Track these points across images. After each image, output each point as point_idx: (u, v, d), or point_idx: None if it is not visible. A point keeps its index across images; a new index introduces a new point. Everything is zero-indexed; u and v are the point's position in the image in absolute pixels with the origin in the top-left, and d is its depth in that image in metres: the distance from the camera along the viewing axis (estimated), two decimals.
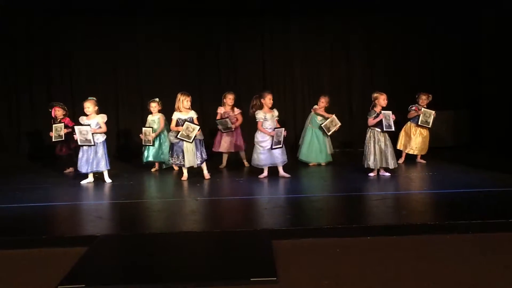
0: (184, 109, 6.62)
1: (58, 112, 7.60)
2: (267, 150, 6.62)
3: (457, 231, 4.35)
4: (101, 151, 6.65)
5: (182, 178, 6.78)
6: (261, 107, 6.64)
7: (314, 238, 4.26)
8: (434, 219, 4.70)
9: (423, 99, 7.77)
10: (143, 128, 7.51)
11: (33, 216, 5.06)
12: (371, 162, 6.67)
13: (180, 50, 9.68)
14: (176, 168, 7.69)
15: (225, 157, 7.84)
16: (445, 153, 8.38)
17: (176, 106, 6.65)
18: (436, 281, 3.35)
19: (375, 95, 6.80)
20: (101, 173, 6.76)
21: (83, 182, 6.70)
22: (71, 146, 7.58)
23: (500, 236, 4.25)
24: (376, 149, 6.64)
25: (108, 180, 6.73)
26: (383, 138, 6.66)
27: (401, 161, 7.71)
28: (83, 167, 6.62)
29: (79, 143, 6.56)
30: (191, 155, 6.62)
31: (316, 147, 7.72)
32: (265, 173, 6.77)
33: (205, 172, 6.84)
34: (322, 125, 7.62)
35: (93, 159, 6.61)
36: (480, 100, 9.44)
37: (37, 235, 4.34)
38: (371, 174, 6.73)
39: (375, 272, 3.52)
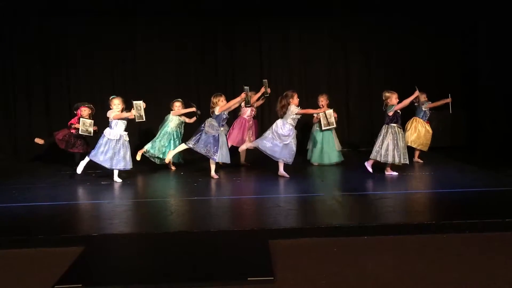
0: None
1: (84, 112, 7.57)
2: (282, 145, 6.69)
3: (453, 230, 4.37)
4: (129, 150, 6.65)
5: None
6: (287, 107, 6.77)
7: (311, 238, 4.27)
8: (431, 219, 4.71)
9: (424, 96, 8.01)
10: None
11: (30, 216, 5.05)
12: (396, 158, 6.64)
13: (178, 51, 9.68)
14: (173, 168, 7.70)
15: (243, 154, 7.96)
16: (441, 153, 8.41)
17: (220, 105, 6.73)
18: (433, 280, 3.36)
19: (387, 94, 6.80)
20: (111, 171, 6.72)
21: (83, 163, 6.74)
22: (83, 146, 7.61)
23: (497, 236, 4.27)
24: (399, 145, 6.64)
25: (117, 179, 6.69)
26: (401, 134, 6.72)
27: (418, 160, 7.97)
28: (106, 162, 6.53)
29: (136, 120, 6.47)
30: (223, 151, 6.74)
31: (328, 147, 7.76)
32: (282, 170, 6.83)
33: (213, 172, 6.85)
34: (324, 128, 7.69)
35: (120, 157, 6.56)
36: (477, 101, 9.46)
37: (34, 235, 4.34)
38: (395, 173, 6.77)
39: (372, 271, 3.53)
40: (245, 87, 6.97)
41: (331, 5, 9.37)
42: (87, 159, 6.73)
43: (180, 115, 7.62)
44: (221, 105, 6.72)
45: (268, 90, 7.43)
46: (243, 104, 7.27)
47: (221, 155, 6.72)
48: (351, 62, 9.96)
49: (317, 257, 3.85)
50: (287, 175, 6.77)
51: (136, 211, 5.29)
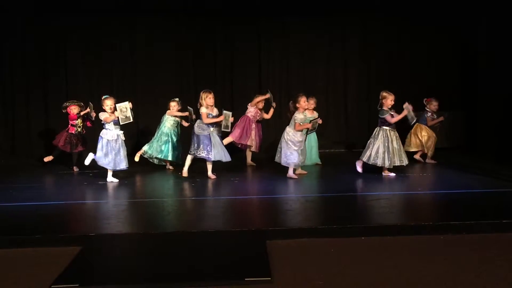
0: (209, 106, 6.71)
1: (74, 110, 7.57)
2: (300, 150, 6.66)
3: (451, 231, 4.37)
4: (125, 149, 6.69)
5: (183, 174, 6.86)
6: (295, 110, 6.72)
7: (309, 238, 4.27)
8: (428, 220, 4.71)
9: (435, 104, 7.98)
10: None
11: (27, 216, 5.04)
12: (386, 161, 6.63)
13: (176, 50, 9.66)
14: (171, 168, 7.70)
15: (249, 154, 8.00)
16: (439, 154, 8.41)
17: (203, 103, 6.70)
18: (431, 281, 3.36)
19: (384, 94, 6.76)
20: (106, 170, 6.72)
21: (92, 156, 6.69)
22: (84, 145, 7.66)
23: (493, 237, 4.28)
24: (390, 148, 6.63)
25: (114, 179, 6.67)
26: (395, 137, 6.70)
27: (430, 160, 7.98)
28: (110, 165, 6.56)
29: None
30: (219, 149, 6.71)
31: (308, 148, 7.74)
32: (292, 173, 6.75)
33: (210, 172, 6.83)
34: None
35: (121, 157, 6.58)
36: (475, 102, 9.47)
37: (31, 234, 4.33)
38: (392, 174, 6.75)
39: (370, 272, 3.53)
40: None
41: (331, 6, 9.36)
42: (93, 155, 6.70)
43: (175, 116, 7.61)
44: (208, 104, 6.66)
45: (274, 105, 7.69)
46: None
47: (217, 153, 6.69)
48: (350, 62, 9.95)
49: (315, 257, 3.85)
50: (296, 176, 6.76)
51: (134, 211, 5.29)
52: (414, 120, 6.83)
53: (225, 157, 6.81)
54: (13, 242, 4.23)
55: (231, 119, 6.96)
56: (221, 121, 6.83)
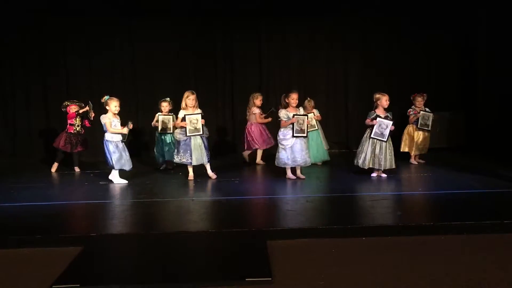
0: (190, 108, 6.64)
1: (74, 109, 7.60)
2: (289, 148, 6.55)
3: (451, 232, 4.38)
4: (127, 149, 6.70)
5: (189, 178, 6.76)
6: (286, 106, 6.61)
7: (309, 239, 4.28)
8: (429, 220, 4.72)
9: (419, 100, 7.80)
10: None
11: (28, 216, 5.04)
12: (361, 160, 6.66)
13: (176, 51, 9.66)
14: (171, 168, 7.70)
15: (260, 153, 8.08)
16: (439, 154, 8.43)
17: (182, 105, 6.66)
18: (431, 281, 3.36)
19: (377, 96, 6.73)
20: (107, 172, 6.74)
21: (116, 174, 6.65)
22: (84, 144, 7.68)
23: (495, 237, 4.28)
24: (369, 150, 6.63)
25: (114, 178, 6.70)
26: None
27: (414, 161, 7.85)
28: (125, 166, 6.61)
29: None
30: (199, 153, 6.64)
31: (311, 147, 7.72)
32: (289, 174, 6.69)
33: (210, 171, 6.82)
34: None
35: (128, 157, 6.63)
36: (475, 102, 9.48)
37: (32, 234, 4.33)
38: (374, 174, 6.71)
39: (370, 272, 3.54)
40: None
41: (331, 6, 9.36)
42: (115, 171, 6.66)
43: (167, 114, 7.58)
44: (189, 105, 6.59)
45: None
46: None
47: (197, 157, 6.65)
48: (350, 62, 9.94)
49: (315, 258, 3.85)
50: (303, 177, 6.72)
51: (135, 211, 5.28)
52: (383, 139, 6.59)
53: (203, 160, 6.71)
54: (14, 242, 4.24)
55: (202, 121, 6.60)
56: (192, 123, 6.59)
